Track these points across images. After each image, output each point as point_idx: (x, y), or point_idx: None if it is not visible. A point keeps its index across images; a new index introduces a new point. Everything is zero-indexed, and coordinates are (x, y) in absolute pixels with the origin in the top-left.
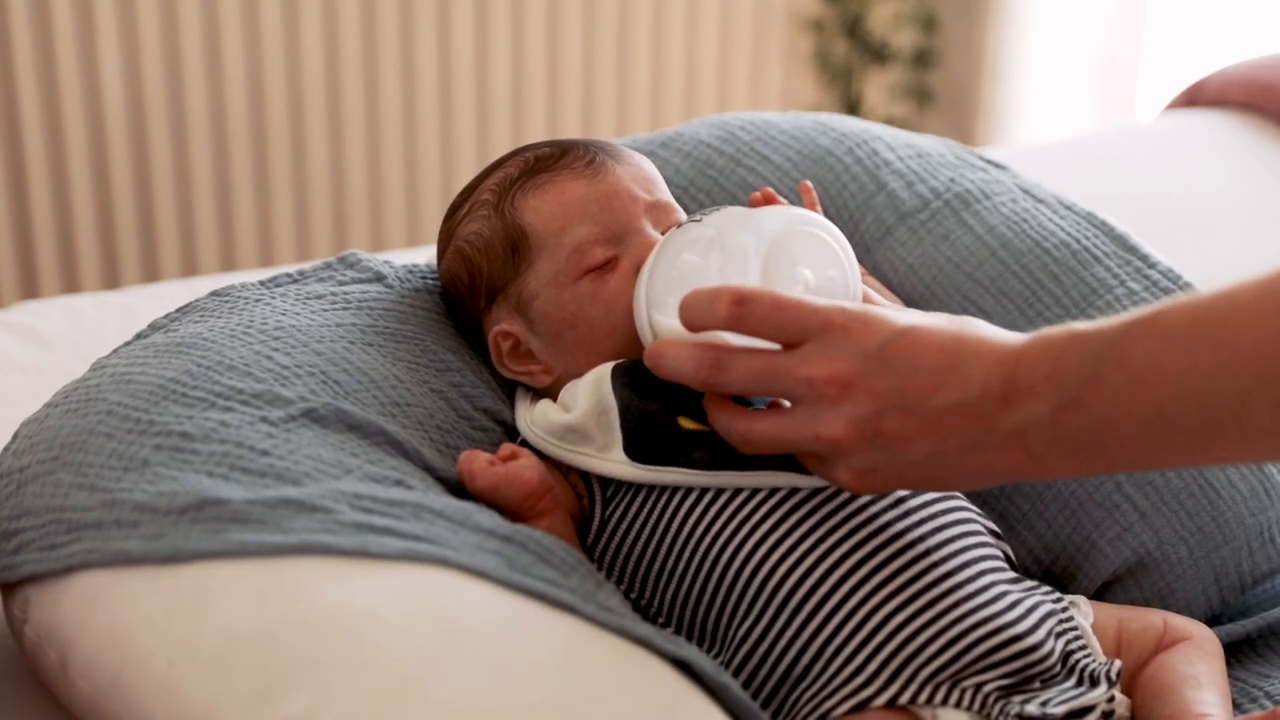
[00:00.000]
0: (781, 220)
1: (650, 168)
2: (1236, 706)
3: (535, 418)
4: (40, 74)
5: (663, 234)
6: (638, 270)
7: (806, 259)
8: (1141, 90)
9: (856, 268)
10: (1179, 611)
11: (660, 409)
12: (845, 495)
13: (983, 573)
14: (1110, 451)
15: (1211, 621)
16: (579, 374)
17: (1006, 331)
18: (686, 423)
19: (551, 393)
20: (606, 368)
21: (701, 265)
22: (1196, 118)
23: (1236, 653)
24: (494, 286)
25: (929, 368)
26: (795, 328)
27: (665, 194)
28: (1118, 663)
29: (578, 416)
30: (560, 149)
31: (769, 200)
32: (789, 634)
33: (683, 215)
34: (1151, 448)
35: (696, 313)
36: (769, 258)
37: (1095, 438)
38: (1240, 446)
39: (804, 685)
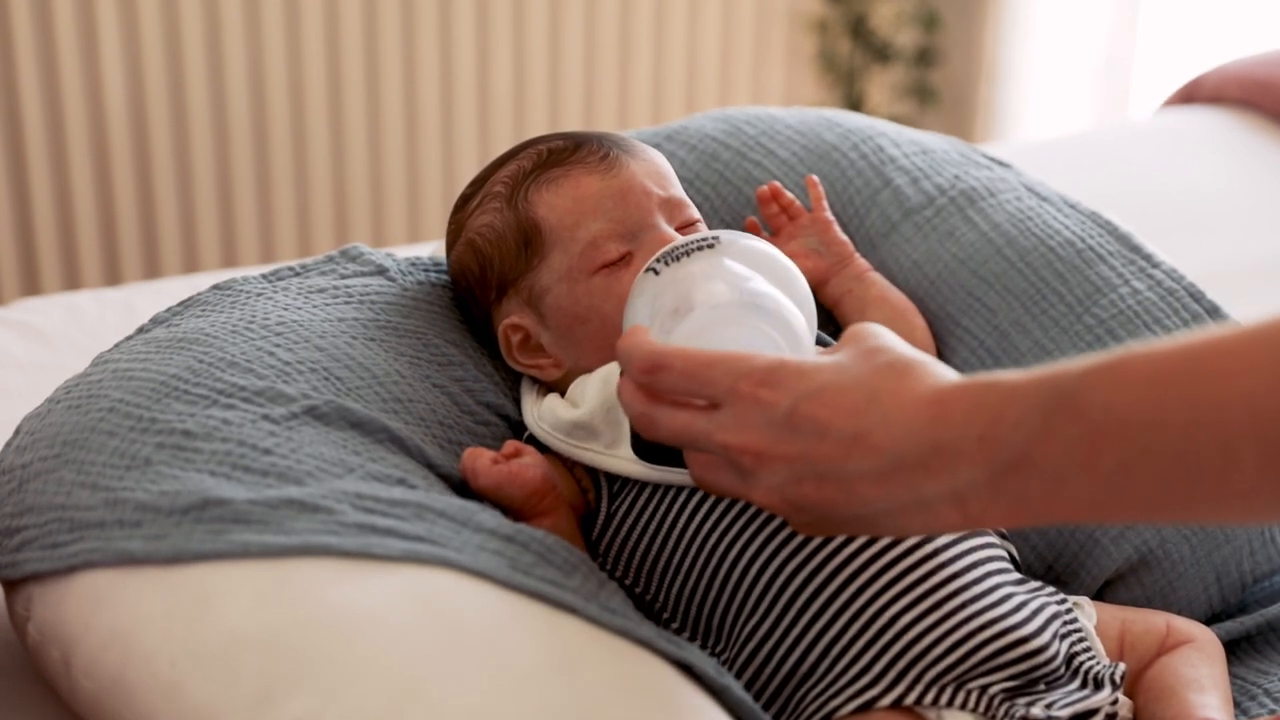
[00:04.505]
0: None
1: (663, 163)
2: (1236, 705)
3: (543, 413)
4: (41, 70)
5: (677, 230)
6: None
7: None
8: (1140, 90)
9: (804, 343)
10: (1180, 610)
11: None
12: None
13: (989, 574)
14: (1060, 507)
15: (1211, 619)
16: (589, 368)
17: (932, 376)
18: None
19: (560, 386)
20: (616, 365)
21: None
22: (1194, 115)
23: (1235, 650)
24: (505, 279)
25: (835, 435)
26: (706, 393)
27: (678, 189)
28: (1122, 666)
29: (586, 413)
30: (574, 142)
31: (776, 196)
32: (795, 633)
33: (695, 211)
34: (1108, 504)
35: (622, 362)
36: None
37: (1045, 495)
38: (1214, 505)
39: (809, 684)
